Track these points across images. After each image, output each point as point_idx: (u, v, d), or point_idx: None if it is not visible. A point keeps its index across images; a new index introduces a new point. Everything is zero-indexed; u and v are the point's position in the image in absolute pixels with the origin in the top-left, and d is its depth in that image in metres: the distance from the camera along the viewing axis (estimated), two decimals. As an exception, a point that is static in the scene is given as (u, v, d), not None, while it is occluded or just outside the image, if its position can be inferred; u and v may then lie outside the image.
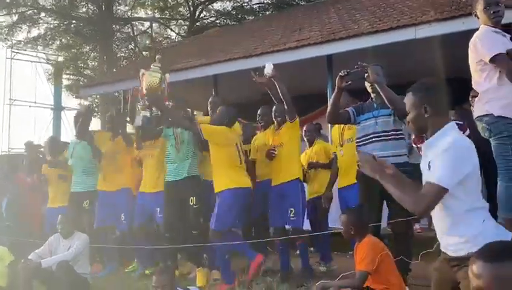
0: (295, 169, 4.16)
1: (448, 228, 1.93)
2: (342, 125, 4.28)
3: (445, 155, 1.84)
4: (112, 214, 5.05)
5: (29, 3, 15.25)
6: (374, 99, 3.64)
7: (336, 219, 4.11)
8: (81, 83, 15.88)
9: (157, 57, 4.05)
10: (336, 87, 3.40)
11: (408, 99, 2.00)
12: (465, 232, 1.87)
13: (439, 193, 1.82)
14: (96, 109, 15.80)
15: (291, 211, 4.01)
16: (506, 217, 2.84)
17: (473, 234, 1.85)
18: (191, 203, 4.27)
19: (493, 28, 2.99)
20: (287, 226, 4.18)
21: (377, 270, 2.74)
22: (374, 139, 3.44)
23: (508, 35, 3.03)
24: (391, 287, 2.74)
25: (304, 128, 5.13)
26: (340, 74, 3.32)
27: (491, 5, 2.98)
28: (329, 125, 4.96)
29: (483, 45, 2.92)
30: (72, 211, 4.97)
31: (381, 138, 3.41)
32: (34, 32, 16.37)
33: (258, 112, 4.55)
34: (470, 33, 3.16)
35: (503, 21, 4.58)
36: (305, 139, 5.08)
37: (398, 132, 3.41)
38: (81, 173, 5.25)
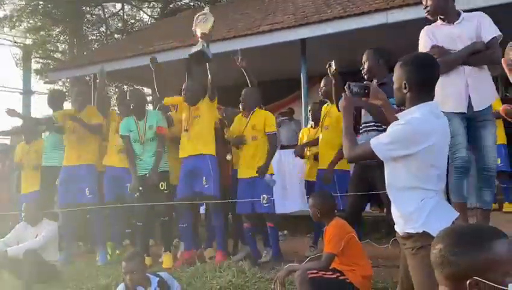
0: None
1: (391, 204, 1.99)
2: (324, 113, 4.36)
3: (395, 128, 1.89)
4: (74, 189, 4.83)
5: (-7, -17, 14.63)
6: None
7: None
8: (50, 66, 15.38)
9: (206, 8, 4.11)
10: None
11: (395, 70, 2.01)
12: (401, 208, 1.93)
13: (368, 153, 1.94)
14: (67, 93, 15.38)
15: (264, 197, 4.03)
16: (455, 201, 3.02)
17: (407, 211, 1.90)
18: (161, 188, 4.36)
19: (431, 25, 3.15)
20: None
21: (344, 252, 2.79)
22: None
23: (457, 22, 3.08)
24: (357, 269, 2.80)
25: (310, 107, 5.16)
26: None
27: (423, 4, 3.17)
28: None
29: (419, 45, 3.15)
30: (41, 196, 4.87)
31: (363, 129, 3.41)
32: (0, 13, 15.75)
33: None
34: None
35: (468, 6, 4.70)
36: (310, 118, 5.19)
37: (378, 123, 3.42)
38: (55, 147, 5.15)
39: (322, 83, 4.28)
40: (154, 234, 5.12)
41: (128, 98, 4.64)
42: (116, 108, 5.33)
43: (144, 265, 3.25)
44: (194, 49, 4.04)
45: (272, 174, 4.18)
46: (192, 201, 4.29)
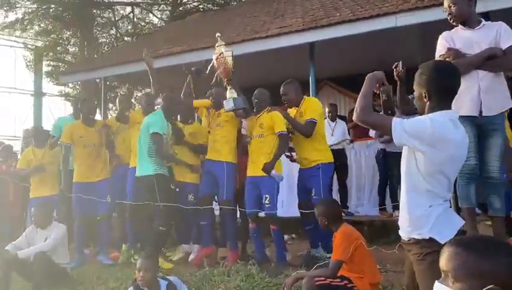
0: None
1: (401, 207, 1.98)
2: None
3: (421, 119, 1.87)
4: (92, 202, 4.92)
5: (5, -13, 14.82)
6: None
7: None
8: (61, 69, 15.54)
9: (217, 35, 3.97)
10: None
11: (416, 76, 1.99)
12: (410, 212, 1.92)
13: (383, 127, 1.89)
14: (77, 96, 15.56)
15: (267, 197, 4.08)
16: (461, 206, 3.09)
17: (415, 215, 1.89)
18: (172, 187, 4.45)
19: (451, 30, 3.16)
20: (261, 214, 4.26)
21: (351, 259, 2.77)
22: None
23: (478, 28, 3.08)
24: (365, 276, 2.78)
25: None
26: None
27: (446, 11, 3.16)
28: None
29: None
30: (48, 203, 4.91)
31: None
32: (12, 16, 15.97)
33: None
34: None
35: (483, 9, 4.68)
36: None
37: None
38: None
39: (282, 91, 4.30)
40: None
41: (162, 100, 4.55)
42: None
43: (157, 267, 3.25)
44: (228, 106, 4.12)
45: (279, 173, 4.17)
46: (210, 200, 4.57)
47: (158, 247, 4.42)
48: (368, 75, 2.06)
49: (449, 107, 1.91)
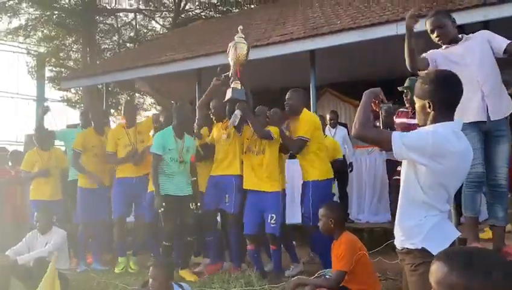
0: (277, 180, 4.09)
1: (396, 216, 1.97)
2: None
3: (419, 130, 1.87)
4: (95, 208, 5.02)
5: (9, -7, 14.93)
6: None
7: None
8: (63, 75, 15.60)
9: (239, 28, 4.04)
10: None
11: (417, 85, 1.95)
12: (404, 221, 1.91)
13: (383, 141, 1.87)
14: (79, 102, 15.64)
15: (273, 217, 3.92)
16: (465, 215, 3.10)
17: (409, 225, 1.88)
18: (192, 207, 4.36)
19: (435, 50, 3.24)
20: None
21: (353, 270, 2.73)
22: None
23: (461, 42, 3.16)
24: (367, 287, 2.75)
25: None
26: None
27: (432, 32, 3.22)
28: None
29: None
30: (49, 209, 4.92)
31: None
32: (15, 23, 16.06)
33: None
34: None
35: (482, 18, 4.71)
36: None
37: None
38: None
39: (287, 96, 4.13)
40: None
41: (174, 112, 4.39)
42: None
43: (167, 276, 3.15)
44: (227, 95, 4.08)
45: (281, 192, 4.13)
46: (215, 215, 4.48)
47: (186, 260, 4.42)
48: (365, 92, 2.05)
49: (452, 118, 1.88)
